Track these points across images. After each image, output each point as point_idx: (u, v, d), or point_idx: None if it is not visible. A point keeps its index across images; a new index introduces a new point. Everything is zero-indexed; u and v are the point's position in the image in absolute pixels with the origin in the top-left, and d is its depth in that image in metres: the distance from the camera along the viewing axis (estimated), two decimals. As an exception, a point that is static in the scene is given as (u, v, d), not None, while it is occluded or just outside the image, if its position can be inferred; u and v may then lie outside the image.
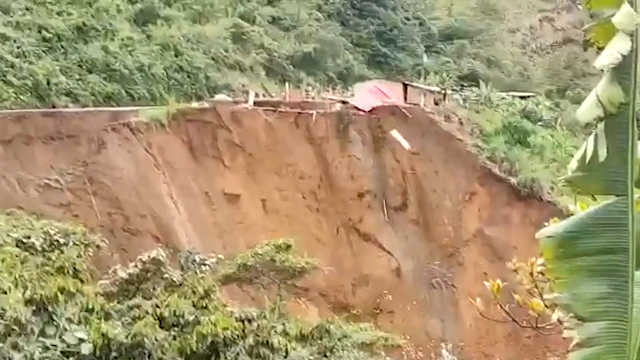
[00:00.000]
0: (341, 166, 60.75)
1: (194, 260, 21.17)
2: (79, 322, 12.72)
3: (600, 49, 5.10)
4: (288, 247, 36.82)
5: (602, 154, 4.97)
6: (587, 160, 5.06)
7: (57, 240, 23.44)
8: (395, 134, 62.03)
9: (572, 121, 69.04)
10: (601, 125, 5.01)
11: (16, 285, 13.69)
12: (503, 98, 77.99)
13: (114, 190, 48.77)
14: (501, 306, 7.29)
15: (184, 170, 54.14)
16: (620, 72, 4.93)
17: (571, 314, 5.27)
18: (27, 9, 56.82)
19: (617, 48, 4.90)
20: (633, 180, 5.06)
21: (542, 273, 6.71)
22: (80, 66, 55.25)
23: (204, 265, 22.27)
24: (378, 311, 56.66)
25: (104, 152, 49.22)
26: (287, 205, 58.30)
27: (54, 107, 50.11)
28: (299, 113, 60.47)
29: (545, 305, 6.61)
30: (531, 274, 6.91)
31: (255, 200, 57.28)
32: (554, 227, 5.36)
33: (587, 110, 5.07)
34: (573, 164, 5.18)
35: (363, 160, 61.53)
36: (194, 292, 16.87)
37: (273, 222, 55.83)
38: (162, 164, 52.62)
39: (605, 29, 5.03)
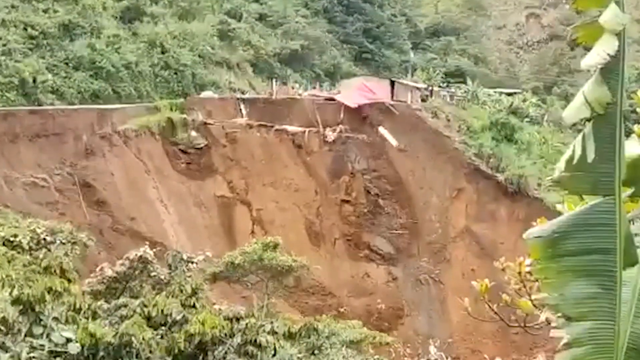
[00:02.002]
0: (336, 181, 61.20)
1: (182, 259, 21.13)
2: (66, 322, 12.66)
3: (587, 48, 5.11)
4: (276, 245, 36.77)
5: (591, 155, 4.98)
6: (575, 161, 5.07)
7: (44, 239, 23.36)
8: (382, 130, 62.05)
9: (559, 118, 69.10)
10: (589, 126, 5.01)
11: (3, 285, 13.66)
12: (490, 95, 78.03)
13: (104, 194, 48.82)
14: (489, 306, 7.29)
15: (174, 176, 54.34)
16: (608, 72, 4.94)
17: (559, 314, 5.28)
18: (13, 7, 56.61)
19: (604, 48, 4.90)
20: (620, 180, 5.07)
21: (530, 273, 6.72)
22: (66, 64, 55.08)
23: (192, 263, 22.20)
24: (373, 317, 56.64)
25: (93, 157, 49.27)
26: (282, 214, 58.67)
27: (40, 104, 49.96)
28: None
29: (534, 305, 6.62)
30: (519, 273, 6.92)
31: (248, 206, 57.52)
32: (542, 227, 5.36)
33: (575, 110, 5.07)
34: (561, 164, 5.19)
35: (356, 166, 61.81)
36: (181, 291, 16.83)
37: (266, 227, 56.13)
38: (152, 169, 52.72)
39: (592, 29, 5.03)
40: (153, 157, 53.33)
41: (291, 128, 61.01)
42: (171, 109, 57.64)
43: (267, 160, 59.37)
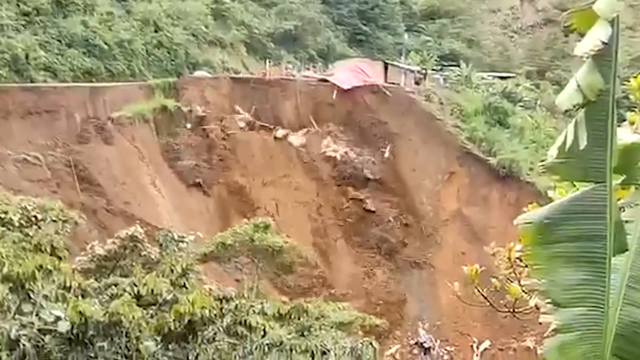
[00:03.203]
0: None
1: (173, 238, 21.11)
2: (56, 300, 12.66)
3: (582, 34, 5.10)
4: (267, 226, 36.78)
5: (583, 142, 4.97)
6: (567, 147, 5.07)
7: (35, 216, 23.29)
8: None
9: (552, 102, 69.08)
10: (582, 113, 5.01)
11: (-7, 262, 13.61)
12: (483, 78, 77.94)
13: (98, 178, 48.75)
14: (479, 291, 7.30)
15: (169, 163, 54.55)
16: (601, 59, 4.93)
17: (548, 300, 5.29)
18: (6, -17, 56.26)
19: (597, 35, 4.89)
20: (612, 167, 5.08)
21: (520, 259, 6.72)
22: (59, 41, 54.70)
23: (182, 243, 22.18)
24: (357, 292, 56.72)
25: (88, 143, 49.24)
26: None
27: (32, 81, 49.66)
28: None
29: (523, 291, 6.63)
30: (509, 259, 6.93)
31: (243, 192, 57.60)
32: (533, 213, 5.37)
33: (568, 97, 5.07)
34: (553, 150, 5.19)
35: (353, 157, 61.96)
36: (172, 271, 16.83)
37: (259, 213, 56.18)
38: (147, 156, 52.71)
39: (586, 16, 5.01)
40: (147, 144, 53.32)
41: (293, 139, 61.21)
42: (164, 89, 57.46)
43: (265, 157, 59.43)
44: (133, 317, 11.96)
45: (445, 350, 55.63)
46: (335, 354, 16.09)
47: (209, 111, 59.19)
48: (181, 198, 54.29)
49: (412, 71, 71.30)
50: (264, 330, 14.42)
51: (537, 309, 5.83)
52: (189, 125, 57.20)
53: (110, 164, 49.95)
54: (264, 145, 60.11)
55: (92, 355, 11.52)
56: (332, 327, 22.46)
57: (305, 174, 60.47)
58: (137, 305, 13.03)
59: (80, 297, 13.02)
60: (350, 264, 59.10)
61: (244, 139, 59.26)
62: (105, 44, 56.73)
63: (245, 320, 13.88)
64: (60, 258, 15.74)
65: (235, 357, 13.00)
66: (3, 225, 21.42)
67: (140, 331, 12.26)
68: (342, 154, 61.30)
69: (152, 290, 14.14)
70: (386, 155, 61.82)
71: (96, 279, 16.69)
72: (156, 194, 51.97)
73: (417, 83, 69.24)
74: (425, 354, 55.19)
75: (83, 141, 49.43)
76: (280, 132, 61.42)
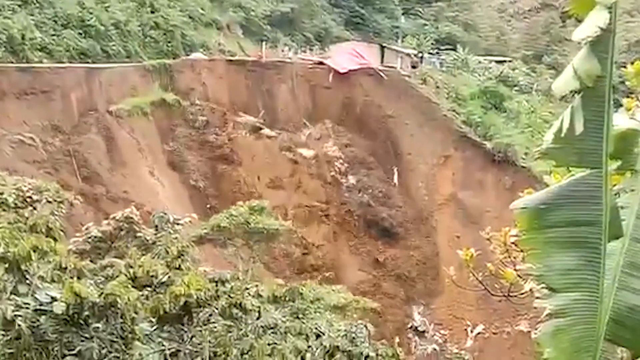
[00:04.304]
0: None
1: (168, 221, 21.11)
2: (52, 281, 12.69)
3: (579, 19, 5.10)
4: (262, 209, 36.80)
5: (579, 127, 4.98)
6: (563, 133, 5.08)
7: (30, 197, 23.28)
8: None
9: (548, 87, 69.17)
10: (578, 98, 5.02)
11: (-12, 243, 13.64)
12: (480, 62, 78.00)
13: (97, 168, 48.63)
14: (474, 275, 7.34)
15: (169, 154, 54.53)
16: (598, 45, 4.94)
17: (543, 285, 5.32)
18: (1, -38, 55.97)
19: (595, 21, 4.89)
20: (608, 153, 5.09)
21: (515, 243, 6.75)
22: (55, 21, 54.46)
23: (178, 224, 22.18)
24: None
25: (87, 134, 49.16)
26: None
27: (28, 62, 49.49)
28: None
29: (518, 275, 6.66)
30: (504, 243, 6.96)
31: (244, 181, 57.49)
32: (529, 198, 5.39)
33: (564, 82, 5.07)
34: (549, 135, 5.20)
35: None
36: (167, 252, 16.85)
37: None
38: (146, 148, 52.63)
39: (585, 1, 5.01)
40: (147, 136, 53.25)
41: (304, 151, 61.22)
42: (160, 71, 57.30)
43: (266, 157, 59.41)
44: (128, 299, 11.98)
45: (440, 333, 55.85)
46: (330, 337, 16.15)
47: (211, 109, 58.94)
48: (180, 190, 54.13)
49: (409, 54, 71.29)
50: (258, 312, 14.46)
51: (532, 293, 5.86)
52: (189, 120, 57.07)
53: (108, 155, 49.78)
54: (266, 148, 59.85)
55: (88, 336, 11.56)
56: (326, 310, 22.56)
57: (307, 173, 60.30)
58: (133, 286, 13.05)
59: (75, 278, 13.04)
60: (346, 247, 59.14)
61: (246, 143, 59.01)
62: (101, 24, 56.48)
63: (240, 303, 13.91)
64: (55, 239, 15.74)
65: (230, 339, 13.05)
66: (-2, 206, 21.43)
67: (135, 312, 12.30)
68: (341, 155, 61.45)
69: (148, 272, 14.16)
70: (395, 180, 61.99)
71: (91, 260, 16.70)
72: (156, 182, 51.84)
73: (413, 66, 69.26)
74: (419, 337, 55.42)
75: (82, 132, 49.28)
76: (281, 137, 61.20)
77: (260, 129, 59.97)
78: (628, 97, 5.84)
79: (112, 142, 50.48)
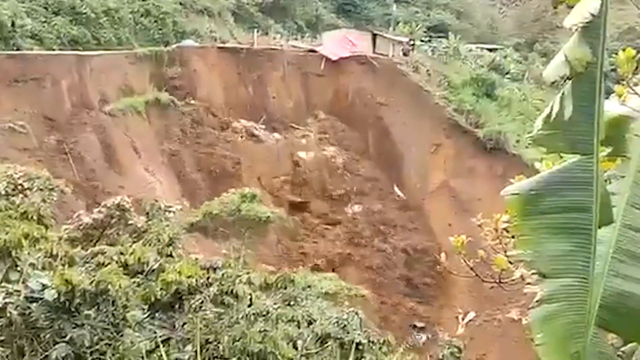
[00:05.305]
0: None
1: (159, 208, 21.09)
2: (43, 268, 12.66)
3: (570, 6, 5.10)
4: (254, 196, 36.78)
5: (569, 113, 4.99)
6: (553, 119, 5.08)
7: (21, 185, 23.21)
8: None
9: (540, 74, 69.22)
10: (569, 85, 5.02)
11: (-22, 230, 13.62)
12: (471, 50, 78.07)
13: (92, 165, 48.44)
14: (465, 261, 7.35)
15: (165, 151, 54.42)
16: (589, 31, 4.94)
17: (534, 271, 5.33)
18: (-9, -52, 55.68)
19: (586, 7, 4.89)
20: (599, 139, 5.10)
21: (506, 230, 6.76)
22: (45, 8, 54.23)
23: (169, 212, 22.16)
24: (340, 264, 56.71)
25: (81, 132, 48.94)
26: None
27: (18, 49, 49.30)
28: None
29: (509, 262, 6.67)
30: (495, 230, 6.97)
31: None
32: (520, 184, 5.40)
33: (555, 69, 5.08)
34: (540, 122, 5.21)
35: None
36: (158, 240, 16.85)
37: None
38: (140, 146, 52.45)
39: (576, -12, 5.02)
40: (142, 135, 53.09)
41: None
42: (151, 59, 57.15)
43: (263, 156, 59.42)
44: (120, 286, 11.96)
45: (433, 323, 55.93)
46: (322, 324, 16.19)
47: (206, 109, 58.84)
48: (176, 187, 53.95)
49: (401, 42, 71.19)
50: (250, 299, 14.47)
51: (523, 279, 5.87)
52: (182, 119, 56.93)
53: (104, 153, 49.60)
54: (263, 149, 59.79)
55: (79, 323, 11.54)
56: (318, 297, 22.58)
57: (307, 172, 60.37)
58: (124, 273, 13.04)
59: (67, 266, 13.03)
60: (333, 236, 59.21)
61: (243, 145, 58.92)
62: (92, 12, 56.26)
63: (231, 290, 13.91)
64: (47, 226, 15.73)
65: (221, 326, 13.06)
66: (-11, 193, 21.36)
67: (127, 300, 12.28)
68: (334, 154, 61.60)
69: (139, 259, 14.14)
70: (399, 194, 61.99)
71: (83, 248, 16.66)
72: (152, 178, 51.63)
73: (405, 54, 69.19)
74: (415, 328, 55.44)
75: (77, 130, 49.06)
76: (274, 136, 61.15)
77: (256, 131, 60.07)
78: (619, 83, 5.85)
79: (108, 140, 50.31)
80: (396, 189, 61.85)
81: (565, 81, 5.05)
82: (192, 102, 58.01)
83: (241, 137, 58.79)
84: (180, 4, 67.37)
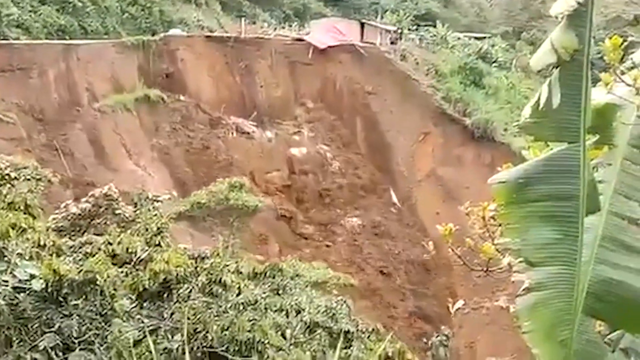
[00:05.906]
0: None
1: (147, 197, 21.05)
2: (30, 258, 12.60)
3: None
4: (242, 186, 36.74)
5: (556, 101, 5.00)
6: (540, 107, 5.09)
7: (8, 174, 23.13)
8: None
9: (528, 63, 69.17)
10: (556, 73, 5.03)
11: (-35, 220, 13.56)
12: (459, 39, 78.01)
13: (82, 160, 48.26)
14: (453, 250, 7.36)
15: (155, 146, 54.22)
16: (576, 19, 4.94)
17: (521, 259, 5.34)
18: (-24, -63, 55.32)
19: (573, -5, 4.90)
20: (585, 127, 5.11)
21: (493, 218, 6.77)
22: (32, -3, 54.13)
23: (157, 202, 22.12)
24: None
25: (71, 129, 48.75)
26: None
27: (5, 39, 49.07)
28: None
29: (497, 250, 6.69)
30: (483, 218, 6.98)
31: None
32: (507, 172, 5.41)
33: (542, 57, 5.09)
34: (527, 110, 5.22)
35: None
36: (146, 229, 16.80)
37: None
38: (129, 143, 52.21)
39: (562, -24, 5.02)
40: (131, 132, 52.88)
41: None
42: (138, 48, 56.92)
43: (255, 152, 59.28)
44: (108, 276, 11.92)
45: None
46: (310, 313, 16.19)
47: (196, 105, 58.62)
48: (168, 181, 53.80)
49: (389, 31, 71.13)
50: (238, 289, 14.43)
51: (510, 267, 5.88)
52: (172, 116, 56.73)
53: (93, 150, 49.44)
54: (255, 146, 59.63)
55: (67, 313, 11.52)
56: (307, 286, 22.59)
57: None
58: (112, 263, 13.00)
59: (54, 256, 12.98)
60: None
61: (234, 141, 58.77)
62: (79, 1, 56.05)
63: (220, 279, 13.87)
64: (34, 216, 15.67)
65: (210, 315, 13.03)
66: (-24, 184, 21.27)
67: (115, 289, 12.25)
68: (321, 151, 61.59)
69: (127, 249, 14.09)
70: (395, 202, 61.85)
71: (70, 238, 16.61)
72: (144, 172, 51.45)
73: (393, 43, 69.14)
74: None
75: (66, 127, 48.88)
76: (266, 134, 61.06)
77: (247, 127, 60.01)
78: (605, 71, 5.86)
79: (97, 136, 50.14)
80: (393, 196, 61.82)
81: (552, 69, 5.06)
82: (182, 98, 57.74)
83: (232, 133, 58.62)
84: (167, -8, 67.18)
